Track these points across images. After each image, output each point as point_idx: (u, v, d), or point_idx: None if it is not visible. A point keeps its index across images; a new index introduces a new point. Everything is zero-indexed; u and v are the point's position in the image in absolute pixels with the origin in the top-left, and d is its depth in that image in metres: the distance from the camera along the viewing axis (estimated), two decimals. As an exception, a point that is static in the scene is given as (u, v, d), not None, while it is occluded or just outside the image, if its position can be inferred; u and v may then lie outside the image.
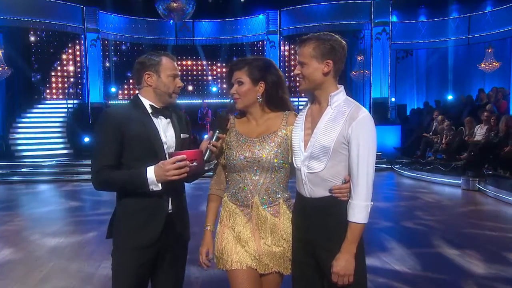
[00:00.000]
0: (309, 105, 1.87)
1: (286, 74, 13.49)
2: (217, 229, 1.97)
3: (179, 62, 12.70)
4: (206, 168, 1.89)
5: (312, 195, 1.77)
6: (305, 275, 1.82)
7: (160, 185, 1.77)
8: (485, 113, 9.10)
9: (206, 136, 1.96)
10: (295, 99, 9.78)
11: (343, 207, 1.70)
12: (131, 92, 16.13)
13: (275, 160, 1.84)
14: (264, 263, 1.84)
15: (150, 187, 1.76)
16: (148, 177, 1.75)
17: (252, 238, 1.86)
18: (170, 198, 1.90)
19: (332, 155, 1.71)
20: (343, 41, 1.74)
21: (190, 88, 16.02)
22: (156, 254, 1.91)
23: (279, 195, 1.88)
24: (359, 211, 1.66)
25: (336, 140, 1.69)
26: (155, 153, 1.82)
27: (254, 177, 1.86)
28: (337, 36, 1.73)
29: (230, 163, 1.88)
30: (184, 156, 1.71)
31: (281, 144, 1.86)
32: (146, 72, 1.90)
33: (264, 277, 1.87)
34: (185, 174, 1.74)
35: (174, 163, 1.72)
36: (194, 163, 1.74)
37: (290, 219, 1.88)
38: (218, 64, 16.45)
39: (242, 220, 1.88)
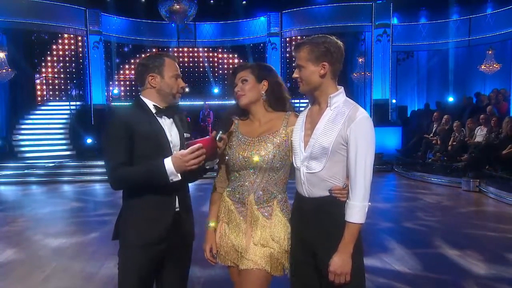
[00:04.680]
0: (309, 106, 1.90)
1: (288, 76, 13.51)
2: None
3: (181, 64, 12.75)
4: (207, 167, 1.94)
5: (311, 194, 1.80)
6: (303, 273, 1.85)
7: (179, 175, 1.79)
8: (482, 115, 9.13)
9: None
10: (296, 101, 9.77)
11: (341, 207, 1.73)
12: (134, 93, 16.17)
13: (273, 161, 1.87)
14: (247, 258, 1.86)
15: (170, 178, 1.78)
16: (167, 168, 1.78)
17: (242, 235, 1.91)
18: (177, 197, 1.93)
19: (330, 155, 1.73)
20: (338, 42, 1.76)
21: (191, 89, 16.04)
22: (163, 252, 1.93)
23: (275, 196, 1.91)
24: (356, 211, 1.69)
25: (335, 141, 1.72)
26: (162, 151, 1.85)
27: (252, 176, 1.90)
28: (332, 38, 1.76)
29: (230, 162, 1.94)
30: (201, 144, 1.77)
31: (280, 145, 1.89)
32: (150, 74, 1.92)
33: (249, 272, 1.85)
34: (203, 162, 1.80)
35: (192, 152, 1.75)
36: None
37: (282, 222, 1.90)
38: (220, 66, 16.49)
39: (237, 217, 1.93)
